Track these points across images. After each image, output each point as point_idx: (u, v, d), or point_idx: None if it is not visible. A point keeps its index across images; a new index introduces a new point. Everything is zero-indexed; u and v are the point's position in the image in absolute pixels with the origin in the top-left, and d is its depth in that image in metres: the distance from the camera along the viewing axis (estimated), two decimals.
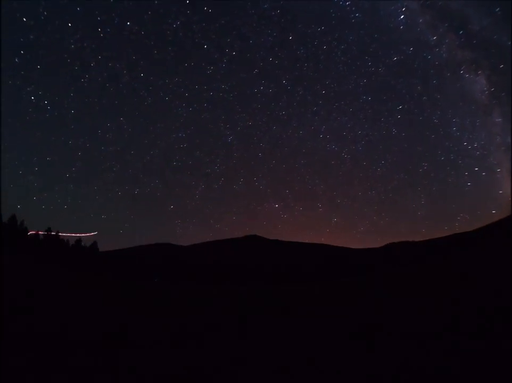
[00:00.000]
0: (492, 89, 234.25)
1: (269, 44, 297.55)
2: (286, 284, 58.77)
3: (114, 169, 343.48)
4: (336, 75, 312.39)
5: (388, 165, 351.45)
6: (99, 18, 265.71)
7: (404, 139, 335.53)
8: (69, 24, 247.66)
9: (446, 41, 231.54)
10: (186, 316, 13.30)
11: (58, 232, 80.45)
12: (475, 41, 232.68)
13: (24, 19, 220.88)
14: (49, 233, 77.91)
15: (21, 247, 59.75)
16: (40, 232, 77.67)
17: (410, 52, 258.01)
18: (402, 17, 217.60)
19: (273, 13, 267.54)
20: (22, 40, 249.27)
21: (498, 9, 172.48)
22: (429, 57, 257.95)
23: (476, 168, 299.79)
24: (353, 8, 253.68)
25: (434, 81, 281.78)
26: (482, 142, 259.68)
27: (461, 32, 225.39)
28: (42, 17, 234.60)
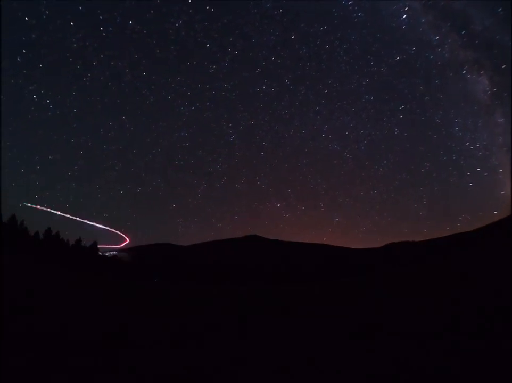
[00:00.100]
0: (494, 89, 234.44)
1: (271, 44, 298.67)
2: (286, 284, 58.75)
3: (116, 168, 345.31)
4: (338, 75, 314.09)
5: (390, 164, 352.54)
6: (101, 17, 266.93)
7: (406, 138, 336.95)
8: (72, 23, 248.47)
9: (449, 41, 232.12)
10: (186, 316, 13.30)
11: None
12: (477, 41, 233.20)
13: (26, 18, 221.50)
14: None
15: (21, 247, 59.73)
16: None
17: (412, 52, 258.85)
18: (404, 16, 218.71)
19: (275, 12, 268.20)
20: (24, 39, 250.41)
21: (500, 9, 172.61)
22: (431, 57, 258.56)
23: (478, 169, 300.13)
24: (356, 8, 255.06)
25: (436, 81, 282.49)
26: (485, 143, 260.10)
27: (463, 32, 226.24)
28: (44, 16, 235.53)
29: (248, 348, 7.39)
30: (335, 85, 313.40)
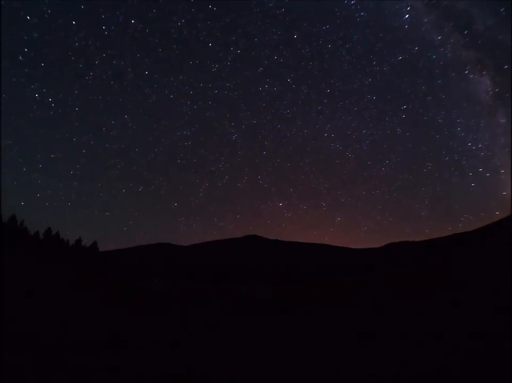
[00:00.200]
0: (496, 90, 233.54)
1: (274, 43, 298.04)
2: (286, 284, 58.80)
3: (118, 166, 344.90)
4: (340, 74, 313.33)
5: (393, 164, 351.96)
6: (103, 16, 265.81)
7: (409, 138, 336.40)
8: (73, 22, 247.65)
9: (451, 40, 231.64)
10: (186, 316, 13.30)
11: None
12: (479, 41, 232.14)
13: (28, 17, 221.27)
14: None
15: (21, 247, 59.75)
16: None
17: (414, 51, 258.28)
18: (406, 16, 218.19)
19: (278, 12, 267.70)
20: (26, 38, 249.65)
21: (503, 9, 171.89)
22: (434, 56, 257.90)
23: (480, 169, 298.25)
24: (358, 7, 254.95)
25: (439, 81, 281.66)
26: (487, 143, 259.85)
27: (466, 32, 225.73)
28: (46, 15, 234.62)
29: (248, 348, 7.39)
30: (337, 84, 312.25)
